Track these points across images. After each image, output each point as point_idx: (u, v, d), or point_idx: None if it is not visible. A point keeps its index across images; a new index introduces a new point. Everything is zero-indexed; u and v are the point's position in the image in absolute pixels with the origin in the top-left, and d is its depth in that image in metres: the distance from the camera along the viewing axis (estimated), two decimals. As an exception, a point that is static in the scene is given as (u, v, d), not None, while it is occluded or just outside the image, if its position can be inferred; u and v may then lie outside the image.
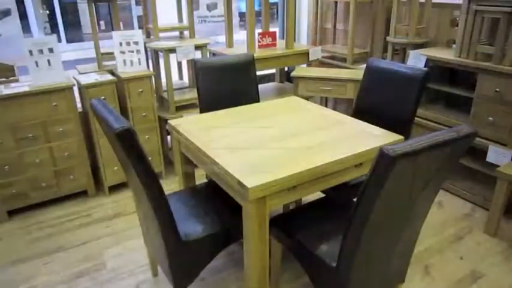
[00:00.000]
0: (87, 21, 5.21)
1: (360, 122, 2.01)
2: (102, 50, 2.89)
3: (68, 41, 7.30)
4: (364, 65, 2.35)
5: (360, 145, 1.71)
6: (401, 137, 1.79)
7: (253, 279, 1.59)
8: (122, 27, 3.03)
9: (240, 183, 1.43)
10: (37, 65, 2.43)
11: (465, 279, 2.01)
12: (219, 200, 1.86)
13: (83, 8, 7.43)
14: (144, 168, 1.32)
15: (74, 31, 7.74)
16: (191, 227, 1.65)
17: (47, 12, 7.47)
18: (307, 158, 1.60)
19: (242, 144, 1.75)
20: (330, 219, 1.73)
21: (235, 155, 1.64)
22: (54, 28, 7.40)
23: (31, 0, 6.26)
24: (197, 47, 2.89)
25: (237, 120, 2.07)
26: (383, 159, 1.06)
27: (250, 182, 1.41)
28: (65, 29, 7.24)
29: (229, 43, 3.27)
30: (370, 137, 1.80)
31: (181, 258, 1.56)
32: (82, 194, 2.77)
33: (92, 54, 2.91)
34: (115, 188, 2.86)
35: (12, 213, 2.56)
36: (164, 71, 2.83)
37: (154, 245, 1.71)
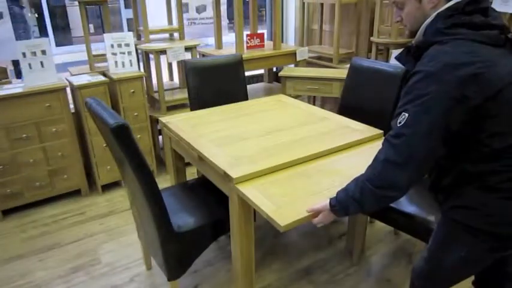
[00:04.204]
0: (76, 25, 5.23)
1: (343, 118, 2.10)
2: (92, 53, 2.94)
3: (57, 44, 7.30)
4: (349, 65, 2.45)
5: (341, 139, 1.81)
6: (380, 131, 1.89)
7: (240, 263, 1.66)
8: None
9: (225, 173, 1.52)
10: (30, 67, 2.48)
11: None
12: (208, 194, 1.94)
13: (72, 11, 7.45)
14: (139, 162, 1.40)
15: (63, 34, 7.73)
16: (183, 219, 1.72)
17: (36, 15, 7.46)
18: (291, 150, 1.69)
19: (229, 138, 1.84)
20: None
21: (222, 148, 1.73)
22: (42, 32, 7.39)
23: (20, 4, 6.25)
24: (187, 49, 2.96)
25: (225, 116, 2.15)
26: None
27: (235, 172, 1.50)
28: (53, 33, 7.24)
29: (219, 45, 3.35)
30: (351, 132, 1.90)
31: (175, 248, 1.64)
32: (76, 193, 2.83)
33: (81, 57, 2.96)
34: (108, 187, 2.92)
35: (7, 212, 2.61)
36: (155, 72, 2.90)
37: (148, 237, 1.78)
